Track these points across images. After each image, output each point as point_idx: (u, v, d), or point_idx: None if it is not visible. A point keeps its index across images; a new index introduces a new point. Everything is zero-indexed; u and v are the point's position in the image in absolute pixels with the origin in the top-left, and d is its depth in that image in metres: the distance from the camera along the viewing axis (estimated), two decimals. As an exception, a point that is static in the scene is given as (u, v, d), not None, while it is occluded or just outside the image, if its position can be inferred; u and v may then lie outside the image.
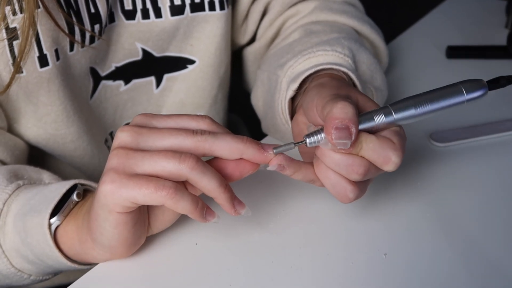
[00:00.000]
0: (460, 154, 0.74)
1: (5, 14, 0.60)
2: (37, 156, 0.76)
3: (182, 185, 0.51)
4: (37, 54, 0.64)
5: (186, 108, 0.83)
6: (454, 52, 0.97)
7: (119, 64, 0.75)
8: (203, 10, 0.75)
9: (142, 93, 0.80)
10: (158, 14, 0.73)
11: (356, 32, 0.77)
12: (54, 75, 0.67)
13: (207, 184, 0.50)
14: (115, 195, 0.48)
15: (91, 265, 0.59)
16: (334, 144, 0.50)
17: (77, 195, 0.59)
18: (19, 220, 0.58)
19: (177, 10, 0.73)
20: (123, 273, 0.57)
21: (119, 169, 0.49)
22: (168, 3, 0.73)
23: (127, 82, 0.78)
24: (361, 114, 0.52)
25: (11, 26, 0.61)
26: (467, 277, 0.57)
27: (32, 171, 0.65)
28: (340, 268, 0.58)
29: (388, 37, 0.91)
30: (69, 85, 0.70)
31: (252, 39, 0.85)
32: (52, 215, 0.57)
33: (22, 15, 0.60)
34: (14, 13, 0.61)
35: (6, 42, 0.62)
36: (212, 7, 0.75)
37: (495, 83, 0.54)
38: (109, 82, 0.76)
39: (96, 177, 0.79)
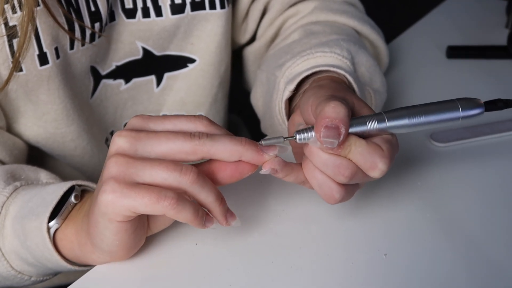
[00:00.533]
0: (461, 154, 0.74)
1: (4, 9, 0.60)
2: (37, 157, 0.76)
3: (183, 194, 0.51)
4: (37, 52, 0.64)
5: (187, 107, 0.83)
6: (455, 52, 0.97)
7: (119, 63, 0.75)
8: (204, 8, 0.75)
9: (143, 92, 0.80)
10: (159, 13, 0.73)
11: (357, 33, 0.77)
12: (54, 73, 0.66)
13: (205, 198, 0.51)
14: (116, 204, 0.48)
15: (91, 266, 0.58)
16: (322, 142, 0.50)
17: (75, 197, 0.58)
18: (18, 223, 0.58)
19: (177, 9, 0.73)
20: (123, 274, 0.57)
21: (119, 178, 0.48)
22: (169, 2, 0.73)
23: (127, 81, 0.77)
24: (354, 118, 0.52)
25: (11, 24, 0.61)
26: (467, 277, 0.57)
27: (29, 170, 0.65)
28: (340, 268, 0.58)
29: (388, 37, 0.91)
30: (69, 84, 0.69)
31: (252, 38, 0.85)
32: (51, 218, 0.57)
33: (22, 12, 0.60)
34: (14, 11, 0.61)
35: (5, 38, 0.62)
36: (212, 6, 0.75)
37: (492, 105, 0.55)
38: (110, 81, 0.76)
39: (96, 177, 0.79)
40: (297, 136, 0.52)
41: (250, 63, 0.86)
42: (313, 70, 0.63)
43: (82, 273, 0.58)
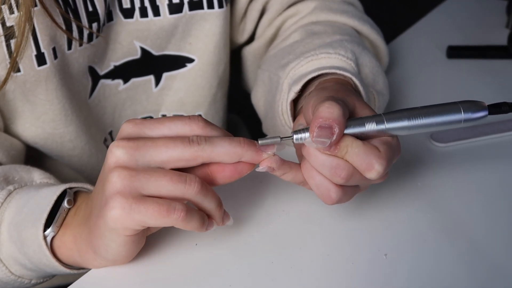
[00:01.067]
0: (461, 154, 0.74)
1: (0, 9, 0.60)
2: (35, 157, 0.76)
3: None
4: (34, 52, 0.64)
5: (186, 107, 0.82)
6: (455, 52, 0.97)
7: (117, 63, 0.75)
8: (202, 8, 0.74)
9: (141, 92, 0.80)
10: (157, 13, 0.73)
11: (357, 32, 0.77)
12: (52, 73, 0.66)
13: (207, 205, 0.51)
14: (125, 220, 0.49)
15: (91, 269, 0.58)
16: (314, 142, 0.50)
17: (68, 202, 0.57)
18: (14, 229, 0.58)
19: (175, 8, 0.73)
20: (123, 274, 0.57)
21: (125, 192, 0.48)
22: (167, 1, 0.72)
23: (126, 81, 0.77)
24: (353, 119, 0.52)
25: (8, 24, 0.61)
26: (468, 277, 0.57)
27: (22, 171, 0.64)
28: (341, 268, 0.57)
29: (389, 37, 0.90)
30: (67, 84, 0.69)
31: (251, 38, 0.84)
32: (46, 224, 0.56)
33: (19, 13, 0.60)
34: (11, 11, 0.61)
35: (3, 39, 0.61)
36: (210, 5, 0.74)
37: (497, 108, 0.54)
38: (108, 81, 0.76)
39: (94, 177, 0.78)
40: (294, 136, 0.52)
41: (249, 63, 0.86)
42: (319, 72, 0.63)
43: (82, 273, 0.58)
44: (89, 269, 0.58)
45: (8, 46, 0.62)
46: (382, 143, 0.52)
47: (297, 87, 0.63)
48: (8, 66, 0.63)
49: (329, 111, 0.50)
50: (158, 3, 0.72)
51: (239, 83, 0.92)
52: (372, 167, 0.50)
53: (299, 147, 0.56)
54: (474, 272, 0.57)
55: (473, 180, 0.69)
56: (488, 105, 0.53)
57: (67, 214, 0.57)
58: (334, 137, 0.50)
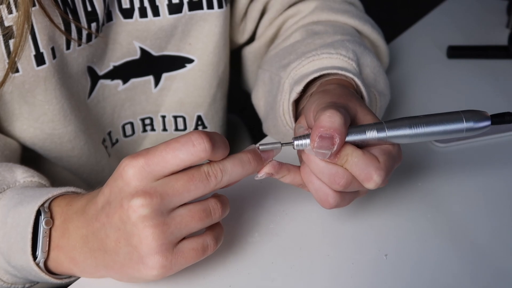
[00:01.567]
0: (461, 154, 0.74)
1: None
2: (32, 160, 0.75)
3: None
4: (33, 52, 0.64)
5: (185, 107, 0.82)
6: (455, 52, 0.97)
7: (117, 63, 0.75)
8: (201, 8, 0.74)
9: (141, 92, 0.79)
10: (156, 13, 0.73)
11: (357, 32, 0.77)
12: (50, 73, 0.66)
13: (225, 215, 0.53)
14: (166, 274, 0.50)
15: None
16: (315, 154, 0.51)
17: (46, 223, 0.54)
18: (1, 241, 0.55)
19: (175, 9, 0.73)
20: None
21: (163, 250, 0.49)
22: (166, 2, 0.72)
23: (125, 81, 0.77)
24: (354, 126, 0.52)
25: (6, 24, 0.61)
26: (468, 277, 0.57)
27: (4, 170, 0.61)
28: (341, 268, 0.57)
29: (389, 37, 0.90)
30: (66, 84, 0.69)
31: (251, 38, 0.84)
32: (33, 245, 0.54)
33: (17, 13, 0.59)
34: (9, 11, 0.60)
35: (1, 38, 0.61)
36: (210, 5, 0.74)
37: (500, 118, 0.53)
38: (107, 81, 0.76)
39: (93, 179, 0.79)
40: (295, 142, 0.52)
41: (249, 63, 0.85)
42: (321, 73, 0.63)
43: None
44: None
45: (7, 46, 0.62)
46: (382, 153, 0.52)
47: (299, 88, 0.63)
48: (7, 67, 0.62)
49: (331, 120, 0.50)
50: (157, 3, 0.72)
51: (239, 83, 0.92)
52: (371, 178, 0.51)
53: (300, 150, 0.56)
54: (475, 272, 0.57)
55: (473, 180, 0.69)
56: (491, 115, 0.53)
57: (50, 234, 0.55)
58: (335, 148, 0.50)
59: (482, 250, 0.60)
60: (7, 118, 0.70)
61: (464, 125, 0.52)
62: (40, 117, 0.69)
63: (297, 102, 0.66)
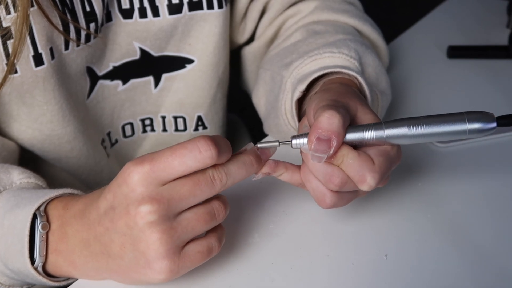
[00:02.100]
0: (462, 154, 0.73)
1: None
2: (30, 161, 0.74)
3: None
4: (32, 53, 0.64)
5: (185, 108, 0.82)
6: (456, 52, 0.97)
7: (116, 64, 0.75)
8: (201, 8, 0.74)
9: (141, 93, 0.79)
10: (156, 13, 0.72)
11: (357, 32, 0.77)
12: (49, 74, 0.66)
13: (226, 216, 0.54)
14: (173, 278, 0.50)
15: None
16: (311, 157, 0.51)
17: (43, 227, 0.54)
18: None
19: (175, 9, 0.73)
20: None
21: (170, 254, 0.49)
22: (166, 2, 0.72)
23: (125, 81, 0.77)
24: (353, 126, 0.52)
25: (4, 25, 0.61)
26: (468, 277, 0.57)
27: (0, 172, 0.61)
28: (341, 269, 0.57)
29: (389, 37, 0.90)
30: (64, 84, 0.69)
31: (251, 38, 0.84)
32: (30, 248, 0.53)
33: (16, 14, 0.59)
34: (8, 12, 0.60)
35: None
36: (210, 6, 0.74)
37: (507, 120, 0.51)
38: (107, 82, 0.76)
39: (92, 180, 0.79)
40: (293, 141, 0.52)
41: (249, 63, 0.85)
42: (324, 72, 0.63)
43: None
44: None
45: (5, 47, 0.62)
46: (378, 154, 0.52)
47: (303, 86, 0.63)
48: (5, 68, 0.62)
49: (329, 122, 0.50)
50: (157, 3, 0.72)
51: (240, 83, 0.92)
52: (365, 180, 0.51)
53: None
54: (475, 272, 0.57)
55: (474, 180, 0.69)
56: (496, 117, 0.51)
57: (47, 238, 0.54)
58: (332, 150, 0.50)
59: (483, 250, 0.60)
60: (5, 120, 0.69)
61: (467, 127, 0.50)
62: (39, 118, 0.69)
63: (300, 102, 0.66)
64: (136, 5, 0.71)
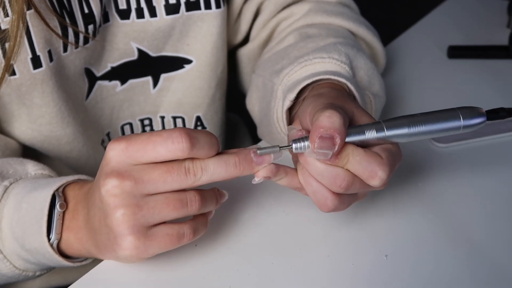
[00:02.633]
0: (462, 154, 0.73)
1: None
2: (33, 156, 0.75)
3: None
4: (30, 55, 0.64)
5: (184, 108, 0.82)
6: (456, 52, 0.97)
7: (114, 64, 0.75)
8: (199, 8, 0.74)
9: (139, 93, 0.79)
10: (153, 13, 0.72)
11: (352, 34, 0.76)
12: (47, 76, 0.66)
13: (207, 209, 0.54)
14: (140, 256, 0.51)
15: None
16: (316, 154, 0.50)
17: (60, 206, 0.57)
18: (16, 226, 0.58)
19: (172, 9, 0.73)
20: (122, 275, 0.57)
21: (135, 231, 0.50)
22: (163, 2, 0.72)
23: (123, 82, 0.77)
24: (352, 127, 0.52)
25: (2, 27, 0.61)
26: (468, 278, 0.57)
27: (16, 163, 0.64)
28: (341, 269, 0.57)
29: (389, 37, 0.90)
30: (63, 86, 0.69)
31: (245, 40, 0.84)
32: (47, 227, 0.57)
33: (12, 16, 0.59)
34: (5, 14, 0.60)
35: None
36: (208, 6, 0.74)
37: (495, 114, 0.54)
38: (105, 83, 0.76)
39: (93, 178, 0.79)
40: (293, 146, 0.52)
41: (243, 64, 0.85)
42: (313, 79, 0.62)
43: (80, 274, 0.58)
44: (88, 270, 0.58)
45: (4, 49, 0.62)
46: (383, 150, 0.52)
47: (292, 95, 0.62)
48: (2, 70, 0.62)
49: (330, 121, 0.49)
50: (154, 4, 0.72)
51: (236, 84, 0.92)
52: (376, 174, 0.50)
53: (296, 154, 0.56)
54: (475, 273, 0.57)
55: (474, 181, 0.69)
56: (486, 111, 0.53)
57: (63, 217, 0.58)
58: (336, 148, 0.49)
59: (483, 251, 0.59)
60: (7, 119, 0.70)
61: (461, 122, 0.52)
62: (38, 119, 0.69)
63: (290, 108, 0.66)
64: (133, 5, 0.71)
